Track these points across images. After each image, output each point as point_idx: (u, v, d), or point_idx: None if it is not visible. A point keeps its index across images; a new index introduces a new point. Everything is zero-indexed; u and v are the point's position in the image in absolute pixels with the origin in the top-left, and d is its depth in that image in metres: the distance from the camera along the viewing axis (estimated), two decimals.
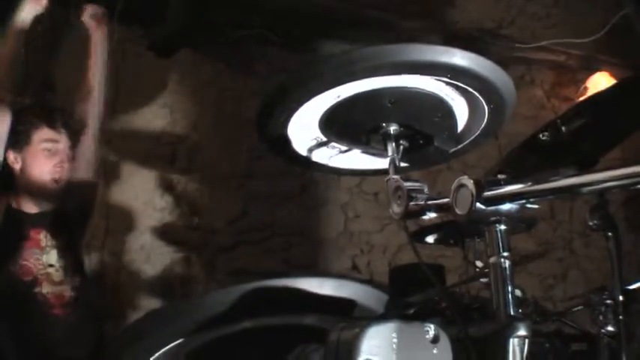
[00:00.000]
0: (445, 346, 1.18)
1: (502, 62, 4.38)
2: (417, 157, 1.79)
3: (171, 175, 4.09)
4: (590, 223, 2.29)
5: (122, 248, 3.86)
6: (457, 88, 1.57)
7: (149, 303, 3.79)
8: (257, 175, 4.19)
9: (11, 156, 2.99)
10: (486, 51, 4.43)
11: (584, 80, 4.81)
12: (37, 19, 3.28)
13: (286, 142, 1.72)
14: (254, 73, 4.30)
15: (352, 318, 1.31)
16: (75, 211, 3.19)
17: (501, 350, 1.26)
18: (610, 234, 2.27)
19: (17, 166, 3.00)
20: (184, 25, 4.17)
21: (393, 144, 1.63)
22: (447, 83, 1.54)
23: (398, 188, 1.55)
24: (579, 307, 2.50)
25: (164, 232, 4.01)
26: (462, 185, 1.33)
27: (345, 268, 4.23)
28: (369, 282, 1.26)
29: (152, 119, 4.12)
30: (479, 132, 1.74)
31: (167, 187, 4.07)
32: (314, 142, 1.77)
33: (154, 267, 3.96)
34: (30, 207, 3.05)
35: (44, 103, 3.53)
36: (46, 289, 2.87)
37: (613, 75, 4.61)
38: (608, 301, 2.27)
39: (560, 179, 1.28)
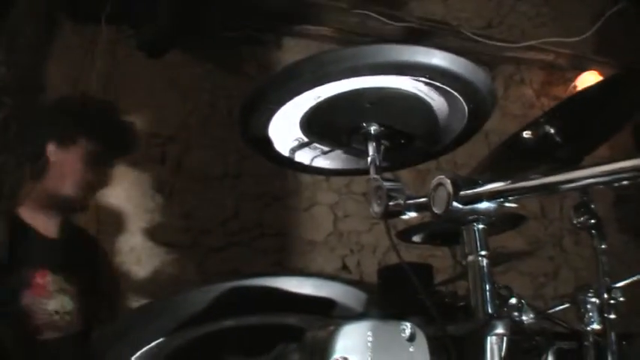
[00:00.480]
0: (422, 344, 1.18)
1: (491, 61, 4.41)
2: (400, 157, 1.81)
3: (162, 176, 4.08)
4: (575, 222, 2.29)
5: (112, 250, 3.85)
6: (436, 88, 1.57)
7: (140, 304, 3.78)
8: (247, 175, 4.20)
9: (50, 147, 2.80)
10: (474, 49, 4.45)
11: (573, 79, 4.83)
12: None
13: (268, 142, 1.72)
14: (244, 74, 4.30)
15: (331, 317, 1.31)
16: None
17: (479, 348, 1.27)
18: (594, 232, 2.27)
19: (53, 159, 2.81)
20: (174, 26, 4.17)
21: (374, 144, 1.64)
22: (427, 83, 1.55)
23: (378, 188, 1.56)
24: (565, 305, 2.50)
25: (155, 234, 4.01)
26: (439, 184, 1.34)
27: (335, 268, 4.24)
28: (349, 281, 1.27)
29: (142, 120, 4.11)
30: (460, 131, 1.74)
31: (157, 188, 4.07)
32: (296, 143, 1.77)
33: (144, 268, 3.96)
34: (44, 223, 2.82)
35: (101, 106, 3.22)
36: (48, 335, 2.65)
37: (602, 74, 4.62)
38: (594, 299, 2.27)
39: (538, 177, 1.29)
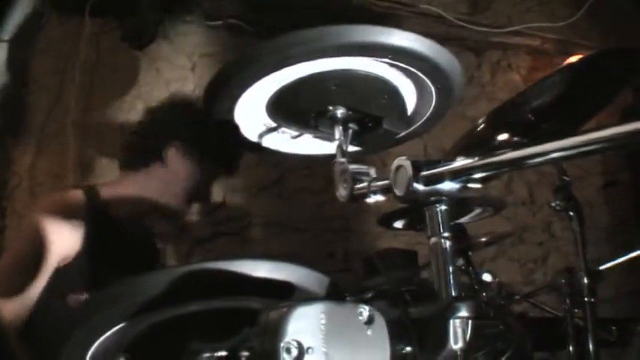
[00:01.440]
0: (380, 327, 1.17)
1: (478, 47, 4.37)
2: (370, 140, 1.79)
3: None
4: (553, 204, 2.28)
5: None
6: (402, 69, 1.56)
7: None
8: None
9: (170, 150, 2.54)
10: (459, 35, 4.43)
11: (560, 64, 4.79)
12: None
13: (235, 128, 1.71)
14: None
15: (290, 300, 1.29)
16: None
17: (443, 332, 1.25)
18: (573, 214, 2.26)
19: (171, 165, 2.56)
20: (157, 16, 4.15)
21: (341, 127, 1.62)
22: (391, 65, 1.53)
23: (343, 171, 1.54)
24: (545, 290, 2.50)
25: None
26: (399, 166, 1.32)
27: (322, 255, 4.22)
28: (310, 265, 1.26)
29: (127, 112, 4.10)
30: (429, 113, 1.73)
31: None
32: (264, 128, 1.76)
33: None
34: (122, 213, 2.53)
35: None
36: None
37: None
38: (574, 283, 2.26)
39: (501, 153, 1.26)
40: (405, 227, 2.80)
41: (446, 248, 1.32)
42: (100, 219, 2.47)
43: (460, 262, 2.55)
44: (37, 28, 4.01)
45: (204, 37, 4.29)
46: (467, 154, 1.33)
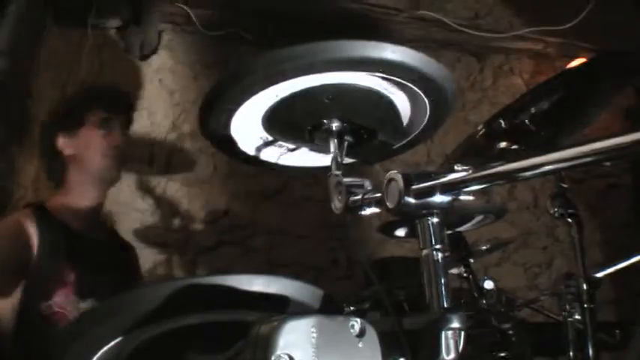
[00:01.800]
0: (372, 339, 1.18)
1: (479, 52, 4.39)
2: (365, 152, 1.81)
3: (151, 176, 4.09)
4: (552, 211, 2.29)
5: None
6: (395, 82, 1.57)
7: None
8: (237, 174, 4.20)
9: (61, 140, 2.78)
10: (461, 40, 4.44)
11: (563, 68, 4.80)
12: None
13: (232, 142, 1.73)
14: None
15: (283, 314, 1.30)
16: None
17: (435, 343, 1.27)
18: (571, 220, 2.27)
19: (68, 151, 2.77)
20: (159, 27, 4.18)
21: (335, 140, 1.64)
22: (384, 78, 1.54)
23: (338, 184, 1.56)
24: (546, 296, 2.51)
25: (145, 234, 4.01)
26: (391, 179, 1.34)
27: (325, 263, 4.24)
28: (304, 279, 1.27)
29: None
30: (425, 123, 1.74)
31: (147, 189, 4.07)
32: (261, 142, 1.77)
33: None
34: (73, 218, 2.77)
35: (99, 84, 3.23)
36: None
37: None
38: (573, 289, 2.27)
39: (494, 166, 1.27)
40: (407, 235, 2.81)
41: (437, 260, 1.34)
42: (55, 229, 2.67)
43: (460, 270, 2.57)
44: (39, 39, 4.03)
45: (205, 46, 4.32)
46: (465, 162, 1.34)
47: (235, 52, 4.26)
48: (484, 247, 2.74)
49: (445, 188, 1.32)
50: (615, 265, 2.43)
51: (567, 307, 2.29)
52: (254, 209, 4.26)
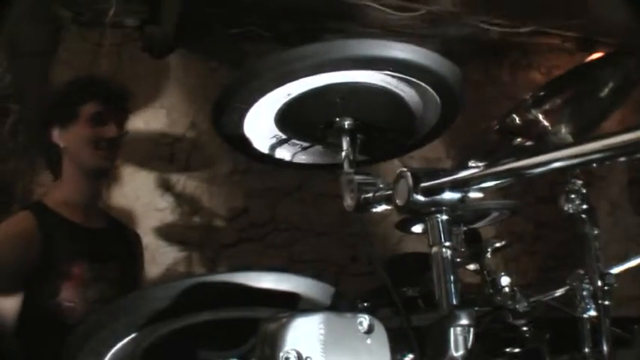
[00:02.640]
0: (380, 336, 1.20)
1: (498, 47, 4.37)
2: (378, 149, 1.82)
3: (171, 174, 4.12)
4: (565, 207, 2.28)
5: None
6: (405, 80, 1.58)
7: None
8: (256, 171, 4.22)
9: (55, 133, 2.77)
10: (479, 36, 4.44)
11: (581, 62, 4.78)
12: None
13: (246, 140, 1.74)
14: None
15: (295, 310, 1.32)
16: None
17: (444, 340, 1.27)
18: (585, 217, 2.26)
19: (62, 144, 2.77)
20: (177, 26, 4.20)
21: (348, 138, 1.66)
22: (394, 76, 1.56)
23: (350, 182, 1.57)
24: (560, 293, 2.49)
25: (166, 232, 4.05)
26: (400, 177, 1.35)
27: (346, 259, 4.25)
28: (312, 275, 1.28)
29: (150, 121, 4.16)
30: (436, 122, 1.75)
31: (167, 187, 4.10)
32: (274, 140, 1.79)
33: (157, 267, 3.99)
34: (71, 210, 2.78)
35: (94, 76, 3.17)
36: None
37: None
38: (588, 286, 2.26)
39: (503, 164, 1.27)
40: (425, 231, 2.79)
41: (447, 257, 1.34)
42: (55, 224, 2.69)
43: (476, 266, 2.57)
44: (58, 38, 4.07)
45: (223, 44, 4.33)
46: (479, 158, 1.35)
47: (253, 49, 4.28)
48: (498, 244, 2.72)
49: (454, 185, 1.33)
50: (630, 261, 2.42)
51: (582, 303, 2.29)
52: (273, 206, 4.28)
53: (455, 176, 1.33)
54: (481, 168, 1.30)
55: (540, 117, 2.31)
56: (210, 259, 4.10)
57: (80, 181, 2.81)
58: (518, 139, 2.44)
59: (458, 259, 2.55)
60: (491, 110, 4.47)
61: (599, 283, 2.21)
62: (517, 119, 2.33)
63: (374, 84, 1.58)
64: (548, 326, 2.47)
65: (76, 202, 2.81)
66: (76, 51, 4.05)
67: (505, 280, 2.50)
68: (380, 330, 1.20)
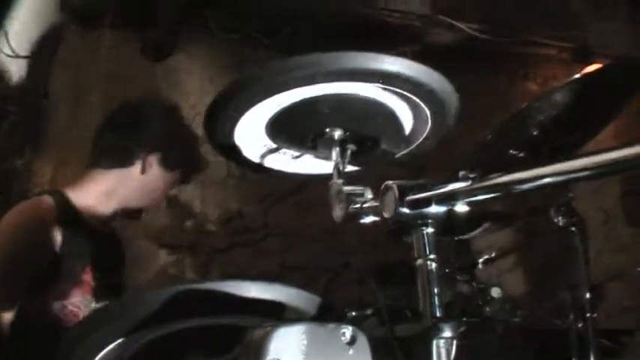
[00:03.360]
0: (363, 347, 1.21)
1: (494, 57, 4.39)
2: (368, 160, 1.83)
3: None
4: (556, 220, 2.30)
5: None
6: (395, 92, 1.59)
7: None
8: (250, 176, 4.22)
9: (150, 157, 2.71)
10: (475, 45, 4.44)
11: (578, 73, 4.78)
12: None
13: (236, 149, 1.76)
14: None
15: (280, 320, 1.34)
16: None
17: (426, 352, 1.29)
18: (575, 230, 2.28)
19: (145, 167, 2.71)
20: (175, 29, 4.22)
21: (338, 149, 1.66)
22: (384, 88, 1.57)
23: (339, 192, 1.59)
24: (549, 304, 2.52)
25: (158, 236, 4.05)
26: (387, 189, 1.36)
27: (338, 266, 4.25)
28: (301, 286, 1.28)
29: None
30: (426, 133, 1.76)
31: None
32: (265, 149, 1.80)
33: (147, 270, 3.99)
34: (100, 215, 2.74)
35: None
36: None
37: None
38: (576, 297, 2.29)
39: (491, 178, 1.28)
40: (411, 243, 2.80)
41: (431, 270, 1.36)
42: (69, 221, 2.60)
43: (466, 277, 2.58)
44: (57, 40, 4.08)
45: (221, 49, 4.35)
46: (471, 169, 1.36)
47: (251, 54, 4.29)
48: (487, 257, 2.74)
49: (440, 199, 1.34)
50: (620, 274, 2.44)
51: (570, 314, 2.31)
52: (267, 211, 4.29)
53: (442, 190, 1.34)
54: (469, 182, 1.31)
55: (534, 128, 2.33)
56: (202, 263, 4.11)
57: (116, 201, 2.76)
58: (512, 150, 2.46)
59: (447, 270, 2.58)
60: (487, 120, 4.48)
61: (588, 295, 2.23)
62: (511, 130, 2.35)
63: (364, 96, 1.59)
64: (536, 337, 2.49)
65: (97, 210, 2.74)
66: (75, 52, 4.06)
67: (496, 292, 2.52)
68: (362, 341, 1.22)
